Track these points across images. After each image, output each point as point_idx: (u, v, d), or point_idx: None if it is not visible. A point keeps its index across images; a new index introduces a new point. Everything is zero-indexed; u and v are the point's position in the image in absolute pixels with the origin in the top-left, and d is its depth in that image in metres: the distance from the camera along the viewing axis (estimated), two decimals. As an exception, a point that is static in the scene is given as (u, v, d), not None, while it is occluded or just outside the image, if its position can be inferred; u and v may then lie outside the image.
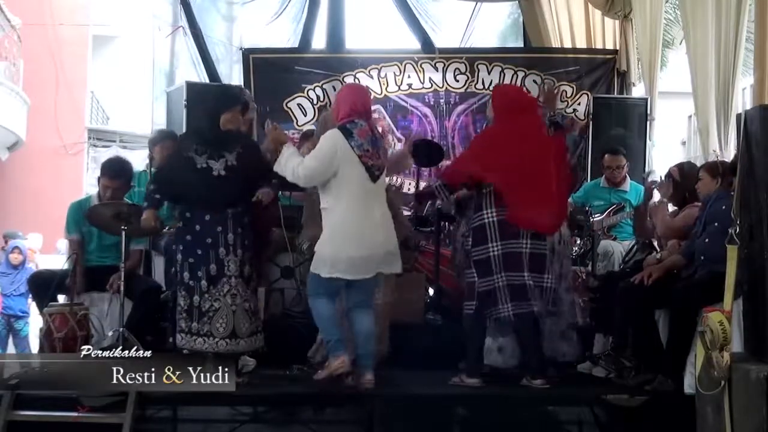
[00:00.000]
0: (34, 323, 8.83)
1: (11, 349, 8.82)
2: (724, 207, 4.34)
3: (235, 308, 4.52)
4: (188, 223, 4.55)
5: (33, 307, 8.64)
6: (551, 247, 4.83)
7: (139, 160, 6.22)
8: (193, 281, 4.49)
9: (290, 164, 4.49)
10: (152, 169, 5.42)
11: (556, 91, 5.57)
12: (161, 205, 4.79)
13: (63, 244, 10.23)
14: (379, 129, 4.92)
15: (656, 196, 5.41)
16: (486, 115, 5.40)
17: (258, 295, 5.48)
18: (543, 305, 4.69)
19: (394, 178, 8.15)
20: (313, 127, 6.35)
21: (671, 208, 5.25)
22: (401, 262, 4.67)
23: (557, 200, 4.80)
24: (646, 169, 6.88)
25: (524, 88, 8.15)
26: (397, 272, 4.69)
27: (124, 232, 4.81)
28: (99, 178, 5.42)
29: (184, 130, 6.31)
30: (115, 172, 5.32)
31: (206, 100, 4.83)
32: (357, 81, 8.29)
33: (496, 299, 4.63)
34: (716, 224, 4.41)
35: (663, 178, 5.30)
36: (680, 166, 5.33)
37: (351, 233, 4.44)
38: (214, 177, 4.53)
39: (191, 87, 7.45)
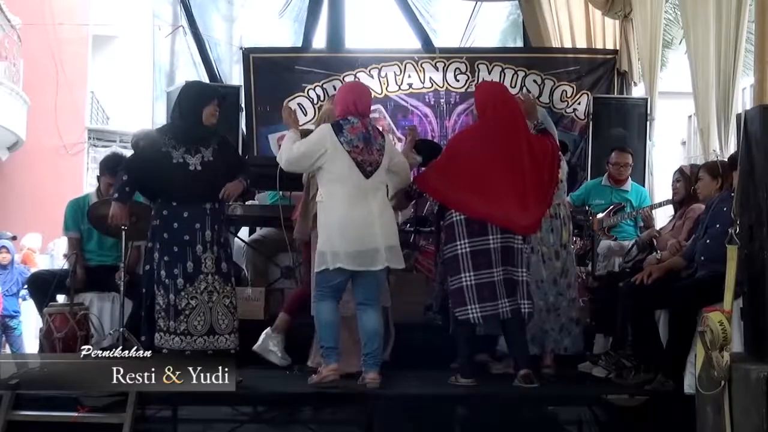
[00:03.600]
0: (26, 322, 8.85)
1: (6, 349, 8.81)
2: (725, 209, 4.35)
3: (212, 305, 4.48)
4: (166, 221, 4.49)
5: (24, 307, 8.67)
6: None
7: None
8: (169, 279, 4.44)
9: (283, 146, 4.65)
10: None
11: (533, 100, 5.46)
12: (131, 199, 4.66)
13: (54, 246, 10.23)
14: (380, 128, 4.90)
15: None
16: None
17: (257, 295, 5.51)
18: (519, 298, 4.62)
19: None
20: (312, 127, 6.35)
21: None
22: (402, 259, 4.67)
23: (536, 199, 4.68)
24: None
25: (524, 88, 8.19)
26: (399, 267, 4.67)
27: (124, 232, 4.80)
28: (99, 177, 5.41)
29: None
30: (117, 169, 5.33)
31: (186, 98, 4.69)
32: (357, 80, 8.30)
33: (464, 299, 4.59)
34: (718, 226, 4.41)
35: (675, 182, 5.38)
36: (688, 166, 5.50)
37: (346, 228, 4.46)
38: (191, 172, 4.49)
39: (191, 87, 7.44)
